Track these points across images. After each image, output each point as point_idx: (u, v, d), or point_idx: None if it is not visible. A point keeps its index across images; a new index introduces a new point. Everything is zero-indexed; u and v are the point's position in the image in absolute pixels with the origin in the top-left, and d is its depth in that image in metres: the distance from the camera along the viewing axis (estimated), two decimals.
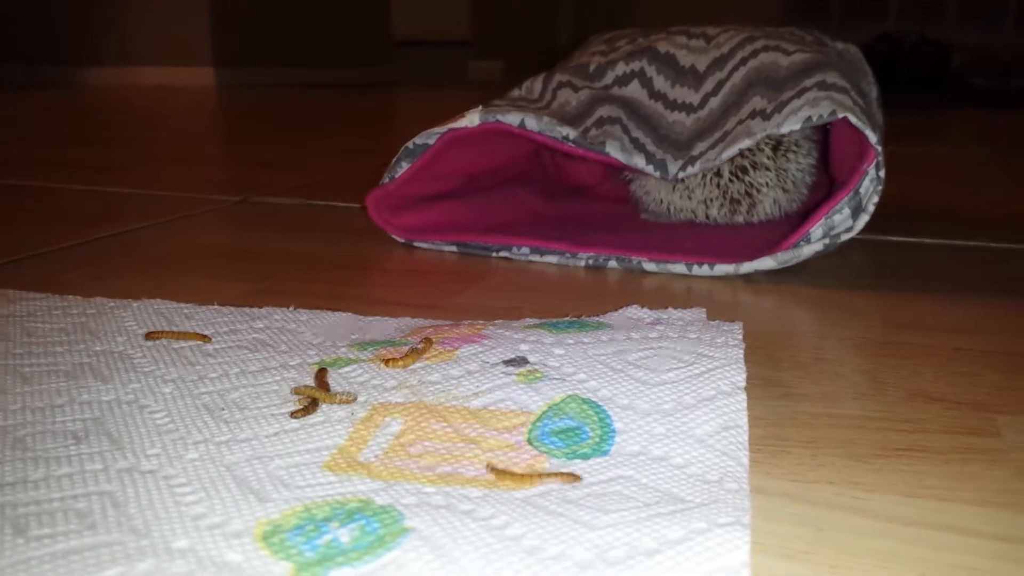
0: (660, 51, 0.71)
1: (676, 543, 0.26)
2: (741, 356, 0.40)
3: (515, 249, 0.64)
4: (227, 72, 3.24)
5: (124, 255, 0.64)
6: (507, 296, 0.55)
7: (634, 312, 0.47)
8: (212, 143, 1.42)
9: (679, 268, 0.60)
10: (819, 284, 0.58)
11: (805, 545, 0.27)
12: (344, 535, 0.26)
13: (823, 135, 0.71)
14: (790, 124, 0.59)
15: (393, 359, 0.39)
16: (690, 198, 0.70)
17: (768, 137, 0.62)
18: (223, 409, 0.35)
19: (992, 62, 3.90)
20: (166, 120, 1.81)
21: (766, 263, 0.58)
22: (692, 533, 0.26)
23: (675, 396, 0.36)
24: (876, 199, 0.56)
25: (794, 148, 0.68)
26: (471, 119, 0.65)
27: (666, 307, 0.48)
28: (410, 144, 0.66)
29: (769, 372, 0.42)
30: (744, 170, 0.68)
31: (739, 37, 0.70)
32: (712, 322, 0.45)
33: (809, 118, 0.58)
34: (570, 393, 0.36)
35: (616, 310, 0.48)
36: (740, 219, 0.70)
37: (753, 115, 0.63)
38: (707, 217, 0.70)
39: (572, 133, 0.64)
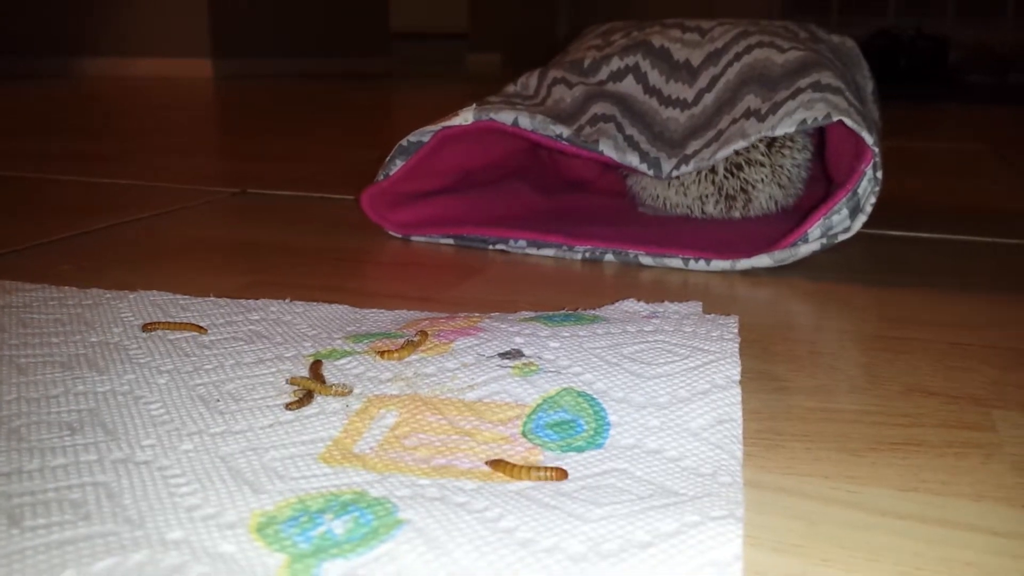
0: (655, 45, 0.71)
1: (669, 536, 0.26)
2: (736, 350, 0.40)
3: (512, 242, 0.64)
4: (225, 63, 3.23)
5: (121, 246, 0.64)
6: (503, 289, 0.55)
7: (630, 305, 0.47)
8: (210, 134, 1.42)
9: (676, 262, 0.60)
10: (816, 278, 0.58)
11: (798, 539, 0.27)
12: (338, 527, 0.26)
13: (819, 127, 0.71)
14: (784, 127, 0.59)
15: (389, 351, 0.39)
16: (685, 194, 0.70)
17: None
18: (218, 400, 0.35)
19: (990, 57, 3.90)
20: (163, 111, 1.81)
21: (763, 261, 0.58)
22: (685, 526, 0.26)
23: (670, 389, 0.36)
24: (874, 199, 0.56)
25: (789, 144, 0.68)
26: (465, 117, 0.65)
27: (662, 300, 0.48)
28: (404, 142, 0.66)
29: (764, 366, 0.42)
30: (739, 167, 0.68)
31: (734, 32, 0.70)
32: (708, 316, 0.45)
33: (804, 121, 0.58)
34: (565, 386, 0.36)
35: (612, 303, 0.48)
36: (737, 214, 0.70)
37: (747, 115, 0.63)
38: (703, 213, 0.70)
39: (565, 131, 0.64)
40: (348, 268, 0.59)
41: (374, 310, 0.48)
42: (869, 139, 0.56)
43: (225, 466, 0.30)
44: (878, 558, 0.26)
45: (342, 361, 0.39)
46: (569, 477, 0.30)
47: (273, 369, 0.38)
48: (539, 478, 0.29)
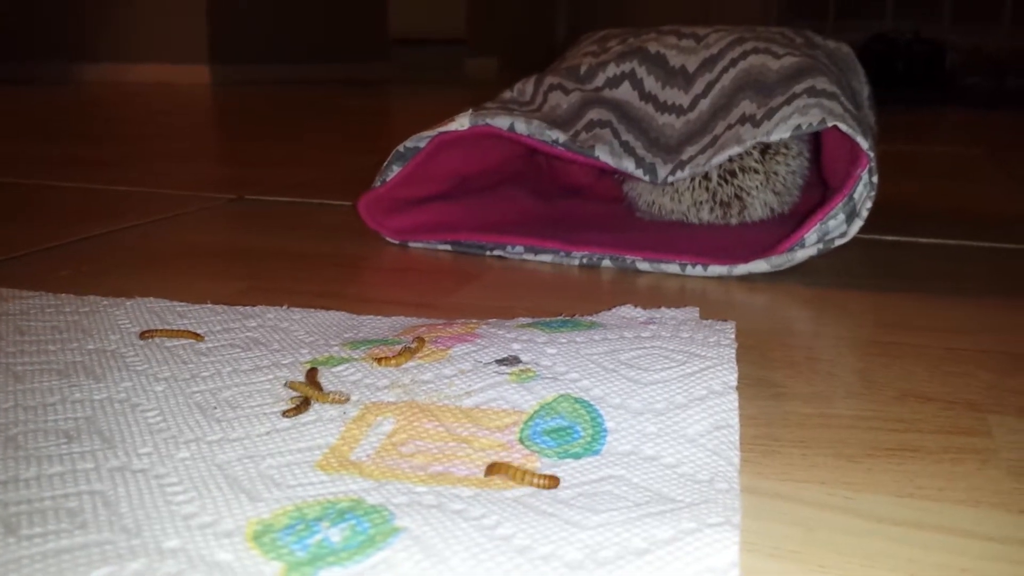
0: (650, 51, 0.71)
1: (666, 543, 0.26)
2: (733, 355, 0.40)
3: (509, 248, 0.64)
4: (224, 69, 3.23)
5: (118, 253, 0.64)
6: (500, 295, 0.55)
7: (627, 311, 0.47)
8: (207, 140, 1.42)
9: (673, 268, 0.60)
10: (813, 283, 0.58)
11: (795, 545, 0.27)
12: (335, 535, 0.26)
13: (815, 133, 0.71)
14: (780, 132, 0.59)
15: (386, 358, 0.39)
16: (679, 201, 0.70)
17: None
18: (215, 408, 0.35)
19: (986, 62, 3.90)
20: (162, 117, 1.81)
21: (759, 266, 0.58)
22: (682, 533, 0.26)
23: (667, 395, 0.36)
24: (870, 204, 0.56)
25: (783, 150, 0.68)
26: (461, 122, 0.65)
27: (660, 306, 0.48)
28: (401, 148, 0.67)
29: (761, 371, 0.42)
30: (732, 174, 0.68)
31: (729, 38, 0.70)
32: (705, 321, 0.45)
33: (799, 126, 0.58)
34: (562, 392, 0.36)
35: (609, 309, 0.48)
36: (733, 221, 0.70)
37: (743, 121, 0.63)
38: (699, 220, 0.70)
39: (561, 137, 0.64)
40: (345, 274, 0.59)
41: (371, 316, 0.48)
42: (864, 144, 0.56)
43: (222, 474, 0.30)
44: (874, 564, 0.26)
45: (339, 368, 0.39)
46: (566, 484, 0.30)
47: (270, 376, 0.39)
48: (532, 483, 0.29)
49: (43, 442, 0.32)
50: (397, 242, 0.68)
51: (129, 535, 0.26)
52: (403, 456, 0.31)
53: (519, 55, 4.70)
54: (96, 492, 0.29)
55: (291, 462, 0.31)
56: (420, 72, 4.28)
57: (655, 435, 0.33)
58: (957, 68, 3.75)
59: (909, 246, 0.70)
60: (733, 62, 0.68)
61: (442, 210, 0.71)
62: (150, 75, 3.25)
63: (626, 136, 0.66)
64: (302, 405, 0.35)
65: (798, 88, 0.62)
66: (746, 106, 0.64)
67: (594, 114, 0.67)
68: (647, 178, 0.64)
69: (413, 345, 0.40)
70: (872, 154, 0.56)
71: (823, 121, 0.57)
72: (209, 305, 0.49)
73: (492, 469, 0.30)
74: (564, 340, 0.42)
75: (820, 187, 0.73)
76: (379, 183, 0.67)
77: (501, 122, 0.64)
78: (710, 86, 0.68)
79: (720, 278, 0.59)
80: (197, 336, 0.43)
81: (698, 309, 0.48)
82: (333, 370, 0.39)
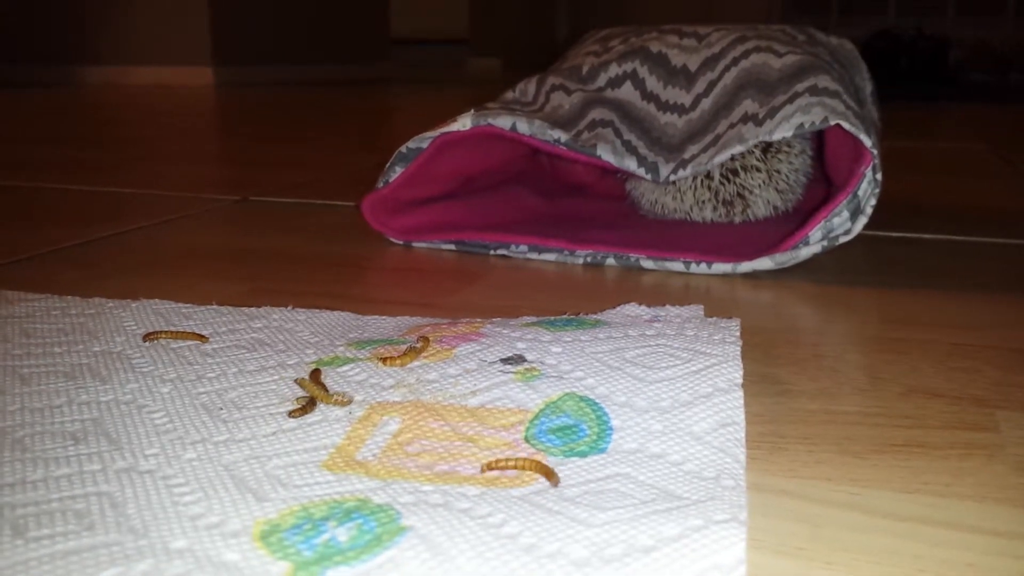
0: (652, 51, 0.71)
1: (672, 540, 0.26)
2: (738, 353, 0.40)
3: (513, 247, 0.64)
4: (226, 70, 3.24)
5: (123, 255, 0.64)
6: (505, 294, 0.55)
7: (632, 309, 0.47)
8: (211, 142, 1.42)
9: (677, 266, 0.60)
10: (818, 280, 0.58)
11: (801, 542, 0.27)
12: (342, 534, 0.26)
13: (818, 131, 0.71)
14: (782, 131, 0.59)
15: (391, 358, 0.39)
16: (682, 200, 0.70)
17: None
18: (221, 409, 0.35)
19: (990, 56, 3.90)
20: (165, 119, 1.81)
21: (764, 263, 0.58)
22: (688, 530, 0.26)
23: (672, 393, 0.36)
24: (874, 201, 0.56)
25: (785, 149, 0.68)
26: (463, 123, 0.65)
27: (664, 304, 0.48)
28: (403, 148, 0.67)
29: (767, 368, 0.42)
30: (735, 172, 0.68)
31: (730, 37, 0.70)
32: (709, 319, 0.45)
33: (801, 125, 0.58)
34: (567, 391, 0.36)
35: (614, 307, 0.48)
36: (737, 219, 0.70)
37: (745, 119, 0.63)
38: (702, 219, 0.70)
39: (563, 136, 0.64)
40: (350, 275, 0.59)
41: (376, 317, 0.48)
42: (867, 142, 0.56)
43: (228, 474, 0.30)
44: (881, 560, 0.26)
45: (344, 368, 0.39)
46: (572, 482, 0.30)
47: (276, 377, 0.39)
48: (522, 467, 0.29)
49: (50, 444, 0.32)
50: (401, 242, 0.68)
51: (136, 536, 0.26)
52: (409, 455, 0.31)
53: (521, 55, 4.70)
54: (103, 493, 0.29)
55: (297, 462, 0.31)
56: (422, 72, 4.28)
57: (661, 433, 0.33)
58: (961, 63, 3.75)
59: (914, 242, 0.70)
60: (735, 61, 0.68)
61: (445, 210, 0.71)
62: (152, 77, 3.26)
63: (628, 135, 0.66)
64: (308, 405, 0.35)
65: (800, 87, 0.62)
66: (748, 105, 0.64)
67: (596, 114, 0.68)
68: (649, 177, 0.64)
69: (418, 345, 0.40)
70: (876, 151, 0.56)
71: (825, 120, 0.57)
72: (214, 306, 0.49)
73: (488, 467, 0.30)
74: (569, 339, 0.42)
75: (824, 183, 0.73)
76: (382, 184, 0.67)
77: (503, 122, 0.64)
78: (712, 85, 0.68)
79: (724, 276, 0.59)
80: (202, 337, 0.43)
81: (703, 307, 0.48)
82: (338, 370, 0.39)
